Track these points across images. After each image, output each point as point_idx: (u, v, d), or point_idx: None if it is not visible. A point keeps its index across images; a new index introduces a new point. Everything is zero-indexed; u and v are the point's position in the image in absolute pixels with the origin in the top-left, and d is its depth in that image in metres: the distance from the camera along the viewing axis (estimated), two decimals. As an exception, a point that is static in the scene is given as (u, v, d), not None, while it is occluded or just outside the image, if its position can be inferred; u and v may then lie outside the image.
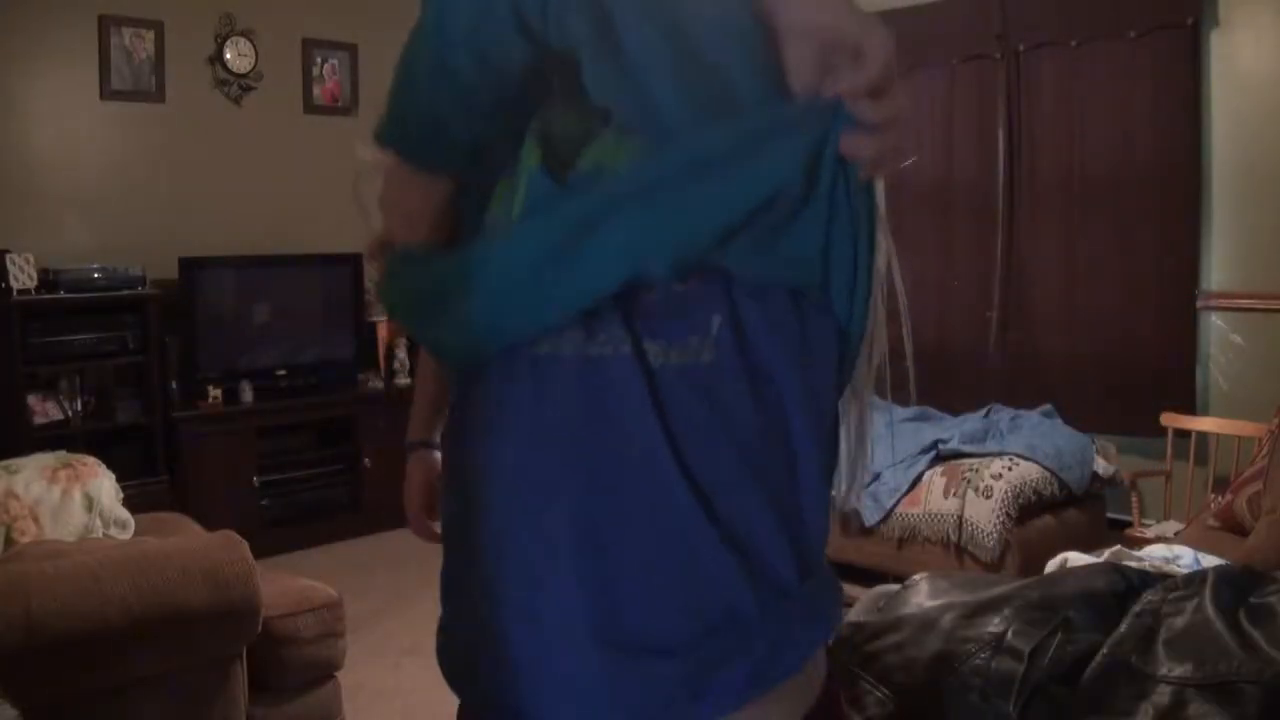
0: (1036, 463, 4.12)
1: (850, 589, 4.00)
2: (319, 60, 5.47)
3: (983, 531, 3.90)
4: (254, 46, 5.20)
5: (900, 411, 4.84)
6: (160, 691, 2.28)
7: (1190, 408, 4.26)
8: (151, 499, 4.14)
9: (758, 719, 0.83)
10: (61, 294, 4.38)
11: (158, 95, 4.92)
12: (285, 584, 2.68)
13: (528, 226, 0.83)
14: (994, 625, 1.51)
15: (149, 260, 4.70)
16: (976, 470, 4.07)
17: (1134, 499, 3.93)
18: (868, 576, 3.96)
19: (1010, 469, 4.05)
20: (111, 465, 3.10)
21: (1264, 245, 4.19)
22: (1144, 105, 4.40)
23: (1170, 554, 2.48)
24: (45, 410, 4.42)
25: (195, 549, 2.34)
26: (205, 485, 4.69)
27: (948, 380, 5.02)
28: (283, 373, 5.08)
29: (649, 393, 0.79)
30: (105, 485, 2.98)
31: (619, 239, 0.77)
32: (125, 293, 4.56)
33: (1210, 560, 2.36)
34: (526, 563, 0.82)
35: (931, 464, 4.25)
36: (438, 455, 1.29)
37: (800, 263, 0.80)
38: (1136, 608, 1.52)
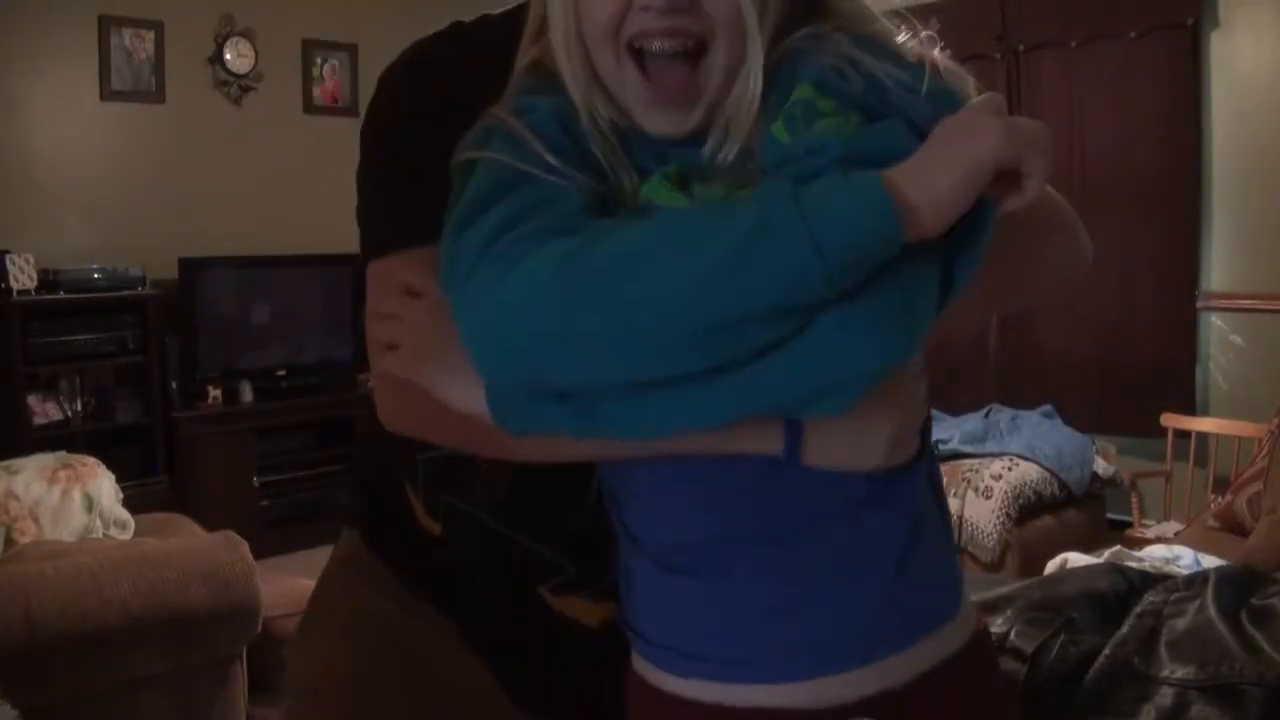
0: (1036, 463, 4.12)
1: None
2: (319, 60, 5.46)
3: (983, 532, 3.90)
4: (254, 46, 5.19)
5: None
6: (160, 691, 2.28)
7: (1190, 408, 4.25)
8: (151, 499, 4.14)
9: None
10: (61, 294, 4.38)
11: (158, 95, 4.92)
12: (285, 584, 2.67)
13: None
14: (997, 626, 1.51)
15: (149, 260, 4.70)
16: (976, 470, 4.07)
17: (1134, 499, 3.93)
18: (868, 577, 3.96)
19: (1010, 469, 4.05)
20: (111, 465, 3.10)
21: (1264, 245, 4.19)
22: (1144, 105, 4.40)
23: (1170, 554, 2.49)
24: (45, 410, 4.42)
25: (195, 549, 2.34)
26: (205, 485, 4.69)
27: (948, 380, 5.02)
28: (283, 373, 5.08)
29: None
30: (105, 485, 2.98)
31: None
32: (125, 293, 4.56)
33: (1210, 561, 2.36)
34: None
35: (932, 464, 4.25)
36: None
37: None
38: (1138, 609, 1.52)
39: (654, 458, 0.77)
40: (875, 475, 0.80)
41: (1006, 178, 0.72)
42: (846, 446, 0.78)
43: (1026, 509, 3.98)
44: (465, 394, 0.74)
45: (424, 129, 0.86)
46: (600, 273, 0.66)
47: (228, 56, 5.13)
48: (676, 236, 0.66)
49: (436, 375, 0.77)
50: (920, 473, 0.86)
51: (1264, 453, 3.34)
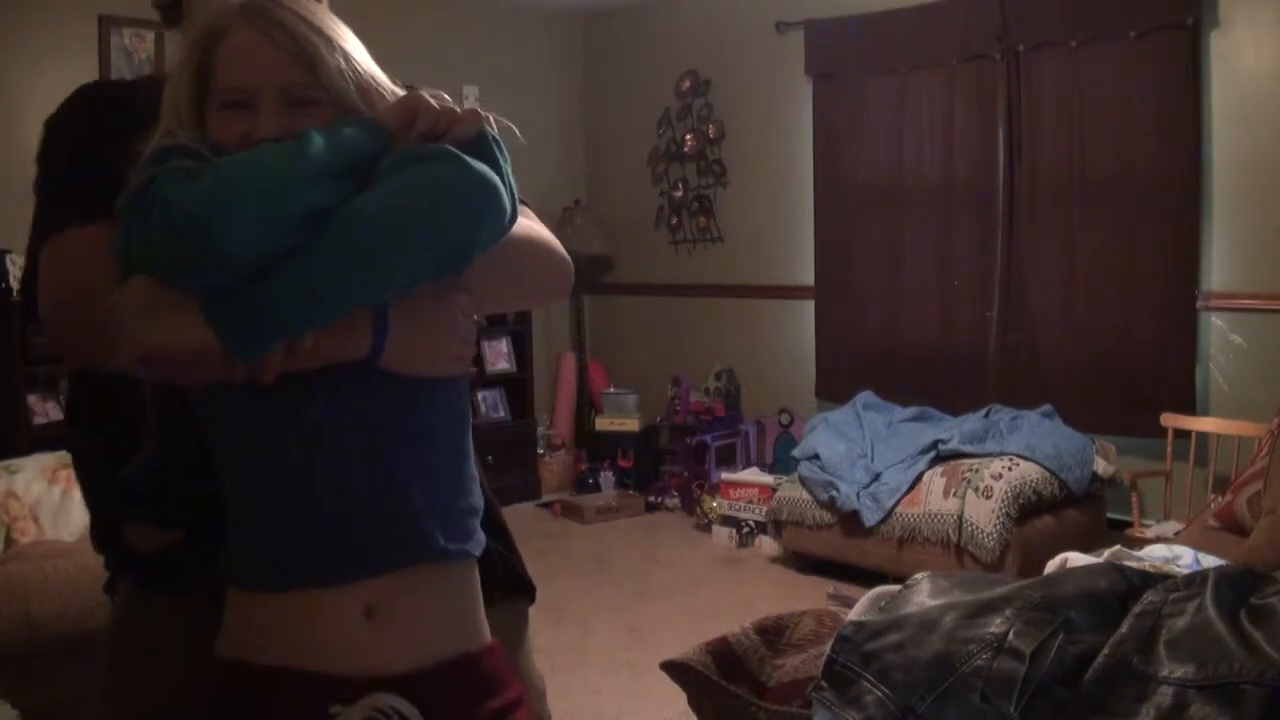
0: (1036, 463, 4.12)
1: (850, 589, 4.01)
2: (319, 60, 5.47)
3: (983, 531, 3.90)
4: (254, 46, 5.19)
5: (900, 411, 4.85)
6: (160, 692, 2.28)
7: (1190, 408, 4.26)
8: (151, 499, 4.13)
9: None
10: (61, 294, 4.38)
11: (158, 95, 4.93)
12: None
13: None
14: (995, 626, 1.51)
15: (149, 260, 4.70)
16: (976, 470, 4.07)
17: (1134, 499, 3.93)
18: (868, 576, 3.96)
19: (1010, 469, 4.05)
20: (111, 465, 3.10)
21: (1264, 245, 4.19)
22: (1144, 105, 4.40)
23: (1170, 554, 2.49)
24: (45, 410, 4.42)
25: (195, 549, 2.34)
26: (205, 485, 4.69)
27: (948, 380, 5.02)
28: (283, 373, 5.09)
29: None
30: (105, 485, 2.98)
31: None
32: (125, 293, 4.56)
33: (1210, 560, 2.36)
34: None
35: (931, 464, 4.25)
36: None
37: None
38: (1138, 608, 1.52)
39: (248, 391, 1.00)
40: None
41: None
42: (424, 347, 1.04)
43: (1026, 509, 3.99)
44: (193, 332, 0.96)
45: (82, 158, 1.24)
46: (228, 169, 0.95)
47: (228, 56, 5.13)
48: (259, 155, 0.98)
49: (171, 329, 0.97)
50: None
51: (1264, 453, 3.34)
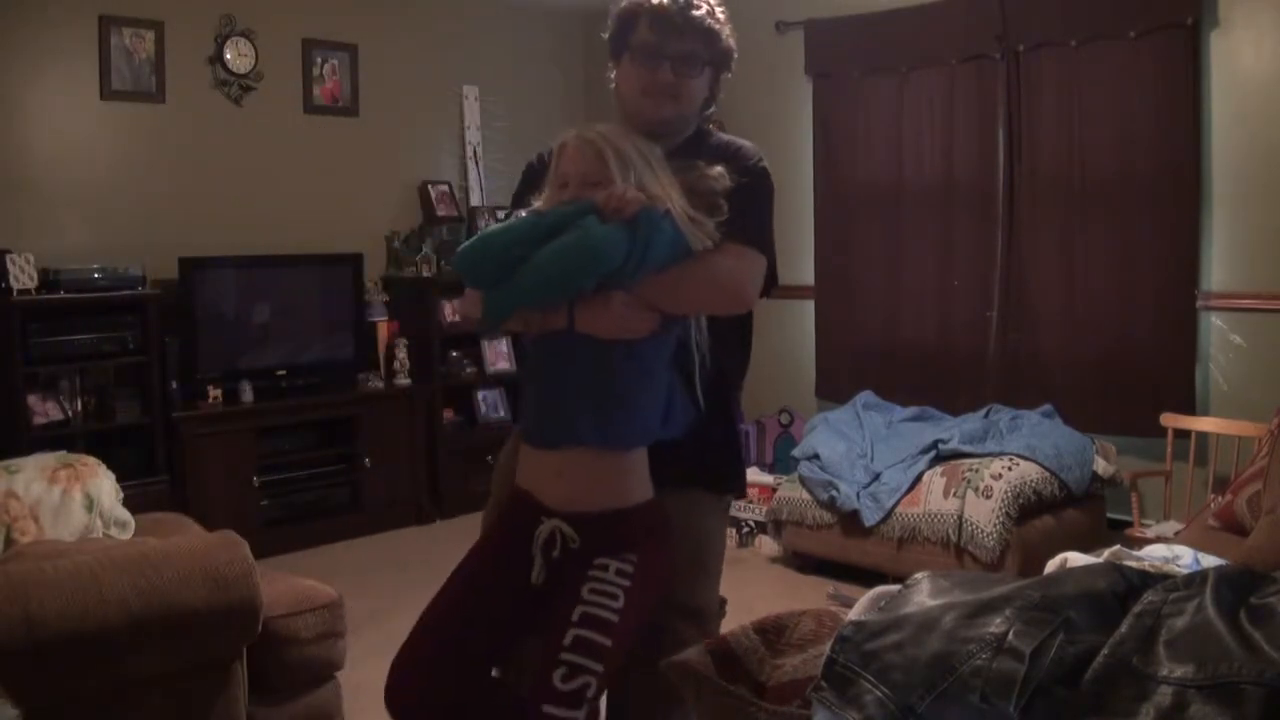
0: (1036, 463, 4.12)
1: (850, 589, 4.01)
2: (319, 60, 5.46)
3: (983, 531, 3.90)
4: (254, 46, 5.19)
5: (900, 411, 4.85)
6: (160, 691, 2.28)
7: (1190, 408, 4.26)
8: (151, 499, 4.14)
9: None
10: (61, 294, 4.38)
11: (158, 95, 4.92)
12: (285, 584, 2.67)
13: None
14: (995, 625, 1.51)
15: (149, 260, 4.70)
16: (976, 470, 4.07)
17: (1134, 499, 3.93)
18: (868, 576, 3.96)
19: (1010, 469, 4.05)
20: (111, 465, 3.10)
21: (1264, 245, 4.19)
22: (1144, 105, 4.40)
23: (1170, 554, 2.48)
24: (45, 410, 4.42)
25: (195, 549, 2.34)
26: (205, 485, 4.69)
27: (948, 380, 5.02)
28: (283, 373, 5.08)
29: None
30: (105, 485, 2.98)
31: None
32: (125, 293, 4.56)
33: (1210, 560, 2.36)
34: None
35: (931, 464, 4.25)
36: None
37: None
38: (1137, 608, 1.52)
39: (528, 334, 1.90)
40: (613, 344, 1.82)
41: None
42: (595, 323, 1.79)
43: (1026, 509, 3.99)
44: (475, 309, 1.88)
45: (525, 187, 2.05)
46: (492, 233, 1.85)
47: (228, 56, 5.13)
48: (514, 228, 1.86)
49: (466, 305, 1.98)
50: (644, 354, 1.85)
51: (1264, 452, 3.34)
